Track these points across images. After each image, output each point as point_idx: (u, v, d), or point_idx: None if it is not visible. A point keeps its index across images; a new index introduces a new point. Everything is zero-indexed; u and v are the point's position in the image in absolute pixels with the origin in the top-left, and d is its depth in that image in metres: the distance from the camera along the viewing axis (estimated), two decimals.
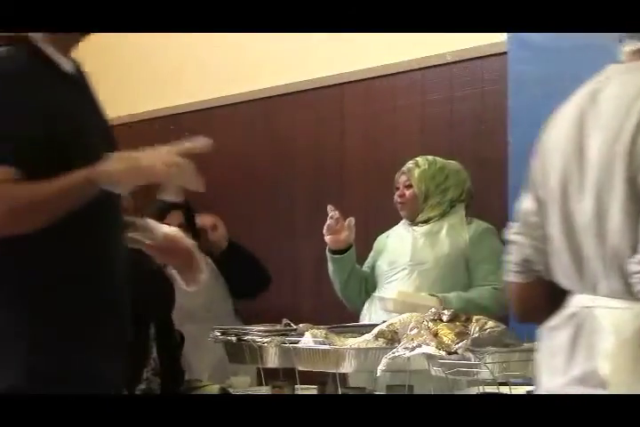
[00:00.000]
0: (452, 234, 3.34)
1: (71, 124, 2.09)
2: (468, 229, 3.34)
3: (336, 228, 3.41)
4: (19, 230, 1.99)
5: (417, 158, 3.48)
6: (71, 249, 2.08)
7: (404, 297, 3.11)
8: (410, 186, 3.43)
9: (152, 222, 2.35)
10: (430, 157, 3.47)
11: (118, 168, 1.99)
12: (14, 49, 2.08)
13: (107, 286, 2.15)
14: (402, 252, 3.42)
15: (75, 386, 2.02)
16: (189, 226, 3.71)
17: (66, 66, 2.15)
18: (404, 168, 3.48)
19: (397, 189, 3.48)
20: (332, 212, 3.40)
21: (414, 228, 3.44)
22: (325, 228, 3.43)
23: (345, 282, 3.47)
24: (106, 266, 2.15)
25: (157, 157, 2.00)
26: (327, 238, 3.44)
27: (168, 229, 2.34)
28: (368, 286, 3.49)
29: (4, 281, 2.03)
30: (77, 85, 2.19)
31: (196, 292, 2.53)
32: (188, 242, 2.33)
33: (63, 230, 2.02)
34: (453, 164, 3.48)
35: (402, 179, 3.47)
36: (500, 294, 3.18)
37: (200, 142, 2.07)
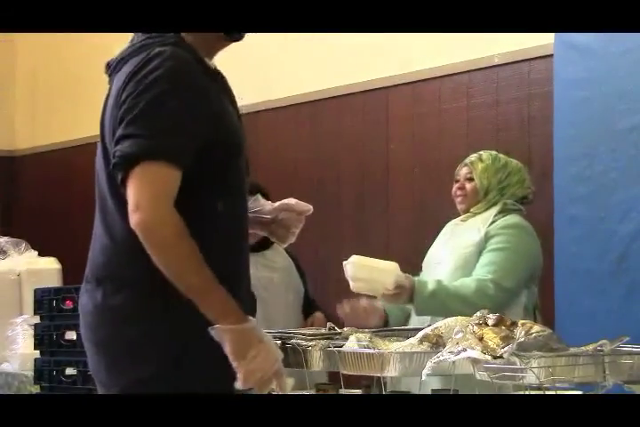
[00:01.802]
0: (473, 230, 3.29)
1: (230, 124, 2.17)
2: (492, 224, 3.28)
3: (360, 317, 3.20)
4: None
5: (480, 152, 3.41)
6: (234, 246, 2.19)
7: (362, 261, 3.04)
8: (471, 179, 3.37)
9: (262, 199, 2.52)
10: (494, 153, 3.40)
11: (241, 357, 2.04)
12: (178, 49, 2.11)
13: (246, 280, 2.24)
14: (432, 250, 3.43)
15: (213, 375, 2.08)
16: None
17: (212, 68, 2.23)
18: (467, 160, 3.41)
19: (457, 181, 3.41)
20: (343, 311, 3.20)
21: (458, 224, 3.40)
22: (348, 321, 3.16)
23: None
24: (247, 261, 2.25)
25: (265, 369, 2.09)
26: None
27: (276, 203, 2.51)
28: None
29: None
30: (223, 87, 2.26)
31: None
32: (304, 207, 2.52)
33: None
34: (515, 162, 3.41)
35: (463, 171, 3.40)
36: (485, 284, 3.10)
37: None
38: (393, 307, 3.34)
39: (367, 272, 3.03)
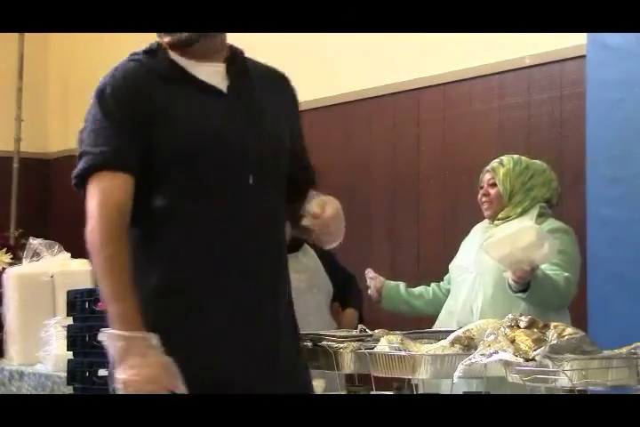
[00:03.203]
0: None
1: (197, 131, 2.14)
2: None
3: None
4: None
5: (502, 157, 3.44)
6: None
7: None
8: (494, 184, 3.39)
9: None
10: (516, 156, 3.43)
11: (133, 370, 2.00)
12: (133, 61, 2.20)
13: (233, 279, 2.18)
14: (470, 254, 3.40)
15: (227, 377, 2.09)
16: None
17: (201, 75, 2.19)
18: (489, 167, 3.44)
19: (481, 187, 3.45)
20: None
21: (490, 227, 3.41)
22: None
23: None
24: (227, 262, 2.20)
25: (138, 382, 2.00)
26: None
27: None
28: (441, 293, 3.51)
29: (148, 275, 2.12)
30: (213, 93, 2.20)
31: None
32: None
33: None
34: (539, 164, 3.43)
35: (486, 177, 3.44)
36: (567, 280, 3.16)
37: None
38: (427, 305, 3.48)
39: (529, 244, 2.96)
